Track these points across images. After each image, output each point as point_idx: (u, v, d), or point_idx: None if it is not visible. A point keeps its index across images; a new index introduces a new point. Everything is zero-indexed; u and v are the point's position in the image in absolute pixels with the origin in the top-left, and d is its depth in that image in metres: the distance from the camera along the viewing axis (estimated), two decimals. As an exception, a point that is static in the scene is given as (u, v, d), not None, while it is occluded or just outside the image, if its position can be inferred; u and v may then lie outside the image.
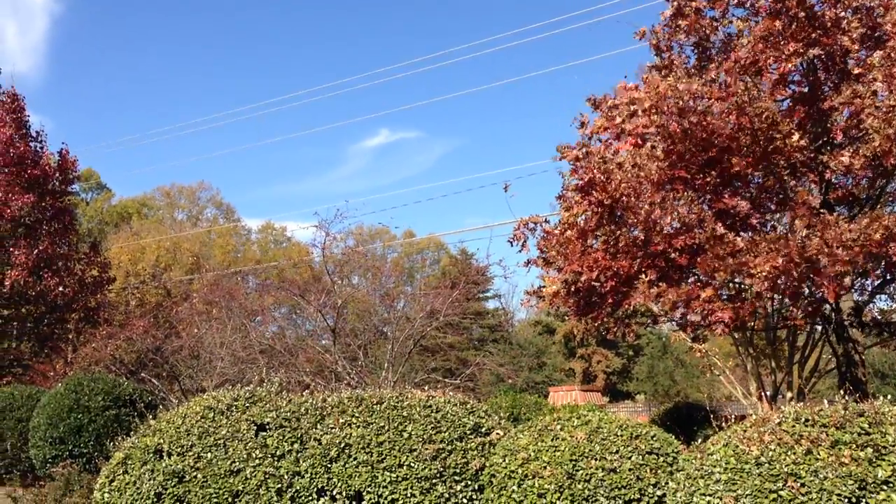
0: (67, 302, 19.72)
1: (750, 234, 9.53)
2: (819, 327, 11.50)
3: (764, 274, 8.55)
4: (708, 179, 9.58)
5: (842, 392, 9.21)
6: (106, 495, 8.36)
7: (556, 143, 11.16)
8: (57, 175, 20.70)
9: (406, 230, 61.20)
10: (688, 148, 9.50)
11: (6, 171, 18.69)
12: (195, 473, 7.96)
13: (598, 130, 10.69)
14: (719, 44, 10.54)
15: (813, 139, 9.65)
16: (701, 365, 12.36)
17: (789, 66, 9.59)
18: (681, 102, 9.45)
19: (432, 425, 8.01)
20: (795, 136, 8.94)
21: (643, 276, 9.50)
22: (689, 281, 9.97)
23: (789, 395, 10.96)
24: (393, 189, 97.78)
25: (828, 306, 10.57)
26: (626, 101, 10.15)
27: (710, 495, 6.17)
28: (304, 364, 17.27)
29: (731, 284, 10.08)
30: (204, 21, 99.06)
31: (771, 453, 6.07)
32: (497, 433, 8.20)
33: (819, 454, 5.95)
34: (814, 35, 9.35)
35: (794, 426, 6.27)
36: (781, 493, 5.85)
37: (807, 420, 6.29)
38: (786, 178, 9.68)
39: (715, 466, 6.29)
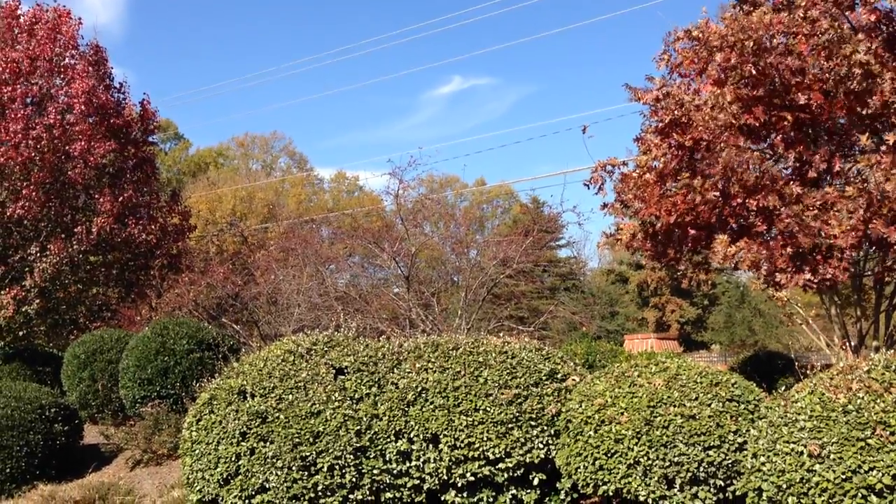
0: (151, 249, 20.30)
1: (832, 187, 9.12)
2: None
3: (848, 229, 8.24)
4: (785, 124, 9.18)
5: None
6: (193, 433, 8.69)
7: (635, 87, 10.73)
8: (139, 125, 21.17)
9: (477, 178, 61.11)
10: (766, 90, 9.11)
11: (89, 121, 19.13)
12: (277, 414, 8.20)
13: (679, 66, 10.32)
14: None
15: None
16: (782, 314, 12.04)
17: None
18: (761, 39, 9.03)
19: (508, 371, 8.05)
20: (888, 77, 8.49)
21: (719, 235, 9.22)
22: (772, 235, 9.64)
23: (875, 344, 10.62)
24: (465, 136, 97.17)
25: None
26: (710, 35, 9.75)
27: (793, 443, 6.06)
28: (378, 311, 17.48)
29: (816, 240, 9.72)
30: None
31: (859, 401, 5.92)
32: (573, 379, 8.20)
33: (910, 403, 5.78)
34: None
35: (883, 374, 6.09)
36: (869, 441, 5.71)
37: (897, 368, 6.10)
38: (877, 125, 9.23)
39: (800, 414, 6.16)
